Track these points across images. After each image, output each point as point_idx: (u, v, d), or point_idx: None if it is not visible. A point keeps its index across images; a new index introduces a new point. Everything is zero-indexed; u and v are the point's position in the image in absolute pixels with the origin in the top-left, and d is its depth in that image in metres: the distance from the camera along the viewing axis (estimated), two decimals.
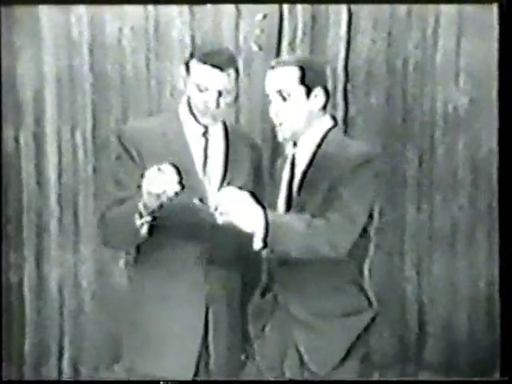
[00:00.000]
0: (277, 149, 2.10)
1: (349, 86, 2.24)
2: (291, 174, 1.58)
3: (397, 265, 2.20)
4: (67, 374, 2.24)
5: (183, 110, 1.68)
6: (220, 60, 1.59)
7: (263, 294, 1.61)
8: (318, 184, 1.50)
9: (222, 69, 1.58)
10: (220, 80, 1.58)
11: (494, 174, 2.19)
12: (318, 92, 1.56)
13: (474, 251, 2.20)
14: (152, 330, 1.62)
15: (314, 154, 1.55)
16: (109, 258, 2.20)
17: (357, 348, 1.54)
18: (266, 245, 1.40)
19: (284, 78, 1.53)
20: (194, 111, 1.65)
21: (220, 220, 1.39)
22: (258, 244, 1.40)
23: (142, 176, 1.50)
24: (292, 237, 1.42)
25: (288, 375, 1.55)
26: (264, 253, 1.45)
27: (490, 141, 2.21)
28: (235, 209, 1.38)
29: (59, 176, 2.24)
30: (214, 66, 1.58)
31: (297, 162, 1.57)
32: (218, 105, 1.59)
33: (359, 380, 1.55)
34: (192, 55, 1.63)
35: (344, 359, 1.52)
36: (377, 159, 1.53)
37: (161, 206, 1.49)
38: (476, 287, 2.20)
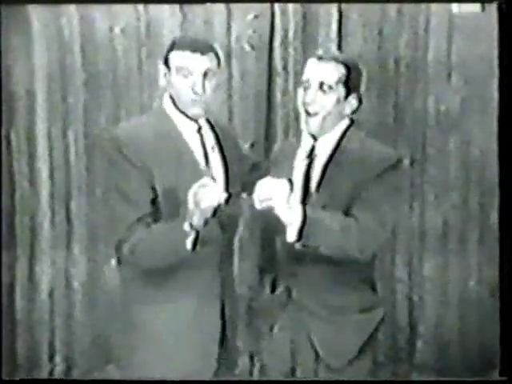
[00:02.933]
0: (269, 149, 2.11)
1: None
2: (308, 169, 1.59)
3: (388, 264, 2.20)
4: (59, 376, 2.23)
5: (169, 107, 1.68)
6: (198, 45, 1.63)
7: (273, 289, 1.62)
8: (342, 183, 1.53)
9: (202, 52, 1.61)
10: (202, 62, 1.61)
11: (485, 173, 2.20)
12: (355, 97, 1.63)
13: (465, 251, 2.21)
14: (165, 331, 1.61)
15: (334, 150, 1.58)
16: (100, 258, 2.20)
17: (369, 344, 1.58)
18: (300, 238, 1.41)
19: (330, 71, 1.58)
20: (183, 104, 1.64)
21: (259, 207, 1.42)
22: (292, 236, 1.43)
23: (153, 189, 1.55)
24: (326, 234, 1.45)
25: (299, 371, 1.56)
26: (297, 245, 1.45)
27: (481, 140, 2.21)
28: (276, 197, 1.40)
29: (51, 175, 2.23)
30: (193, 51, 1.61)
31: (316, 156, 1.58)
32: (203, 88, 1.60)
33: (360, 380, 1.56)
34: (170, 49, 1.67)
35: (358, 354, 1.55)
36: (402, 162, 1.60)
37: (206, 223, 1.51)
38: (467, 287, 2.20)
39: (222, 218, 1.59)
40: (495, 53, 2.14)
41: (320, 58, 1.60)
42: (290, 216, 1.41)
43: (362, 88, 1.69)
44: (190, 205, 1.48)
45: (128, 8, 2.20)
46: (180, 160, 1.62)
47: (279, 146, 1.73)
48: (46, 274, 2.22)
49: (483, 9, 2.11)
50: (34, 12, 2.18)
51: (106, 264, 2.16)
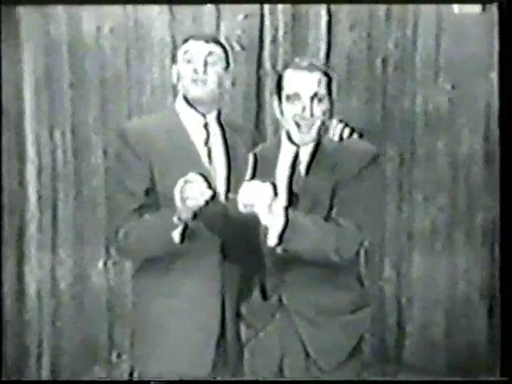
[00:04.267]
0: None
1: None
2: (292, 171, 1.59)
3: (376, 265, 2.21)
4: (47, 377, 2.23)
5: (180, 104, 1.71)
6: (205, 36, 1.72)
7: (264, 295, 1.60)
8: (324, 185, 1.53)
9: (207, 41, 1.68)
10: (206, 46, 1.66)
11: (472, 174, 2.21)
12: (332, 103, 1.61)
13: (453, 251, 2.22)
14: (165, 328, 1.62)
15: (314, 154, 1.57)
16: (87, 259, 2.20)
17: (358, 344, 1.57)
18: (280, 242, 1.42)
19: (318, 82, 1.56)
20: (185, 88, 1.67)
21: (243, 210, 1.42)
22: (272, 240, 1.42)
23: (151, 180, 1.59)
24: (306, 238, 1.44)
25: (288, 372, 1.55)
26: (278, 249, 1.45)
27: (470, 140, 2.23)
28: (258, 201, 1.40)
29: (39, 176, 2.23)
30: (197, 39, 1.68)
31: (300, 162, 1.58)
32: (205, 67, 1.64)
33: (358, 380, 1.57)
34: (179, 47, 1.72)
35: (350, 356, 1.55)
36: (380, 158, 1.57)
37: (194, 216, 1.52)
38: (455, 287, 2.21)
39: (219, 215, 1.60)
40: (484, 53, 2.18)
41: (307, 69, 1.55)
42: (272, 220, 1.41)
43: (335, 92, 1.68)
44: (177, 201, 1.49)
45: (116, 8, 2.19)
46: (184, 155, 1.64)
47: (258, 150, 1.70)
48: (33, 275, 2.21)
49: (484, 9, 2.13)
50: (22, 13, 2.17)
51: (92, 265, 2.17)
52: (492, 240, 2.19)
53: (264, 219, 1.41)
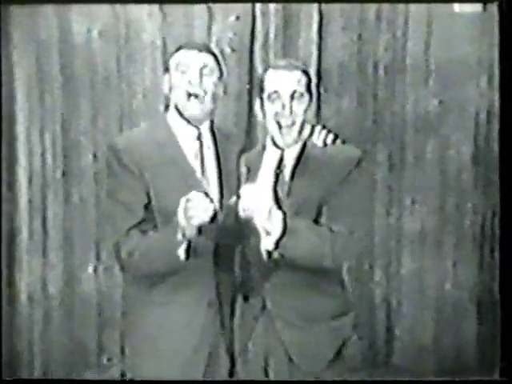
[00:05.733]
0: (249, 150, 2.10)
1: (321, 89, 2.25)
2: (276, 175, 1.59)
3: (365, 268, 2.22)
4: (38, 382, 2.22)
5: (173, 116, 1.70)
6: (198, 45, 1.73)
7: (246, 298, 1.63)
8: (310, 190, 1.54)
9: (200, 50, 1.68)
10: (200, 57, 1.66)
11: (462, 177, 2.23)
12: (313, 103, 1.63)
13: (442, 254, 2.23)
14: (156, 336, 1.63)
15: (299, 158, 1.57)
16: (77, 264, 2.18)
17: (346, 347, 1.60)
18: (276, 247, 1.42)
19: (298, 80, 1.58)
20: (180, 101, 1.66)
21: (242, 215, 1.43)
22: (270, 245, 1.43)
23: (147, 195, 1.58)
24: (302, 245, 1.46)
25: (272, 377, 1.57)
26: (275, 254, 1.46)
27: (459, 143, 2.24)
28: (258, 206, 1.41)
29: (29, 180, 2.20)
30: (191, 48, 1.68)
31: (284, 166, 1.58)
32: (200, 80, 1.63)
33: (357, 380, 1.59)
34: (171, 55, 1.71)
35: (334, 358, 1.58)
36: (366, 161, 1.61)
37: (199, 232, 1.53)
38: (444, 290, 2.22)
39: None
40: (474, 55, 2.19)
41: (285, 68, 1.58)
42: (270, 226, 1.41)
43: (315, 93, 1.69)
44: (181, 220, 1.49)
45: (105, 9, 2.17)
46: (176, 168, 1.64)
47: (245, 157, 1.70)
48: (23, 280, 2.19)
49: (485, 9, 2.13)
50: (12, 13, 2.14)
51: (82, 270, 2.15)
52: (481, 243, 2.22)
53: (262, 224, 1.41)
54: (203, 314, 1.63)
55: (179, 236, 1.53)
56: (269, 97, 1.57)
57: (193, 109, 1.66)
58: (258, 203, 1.42)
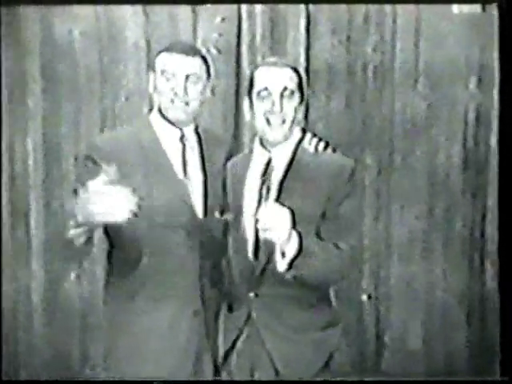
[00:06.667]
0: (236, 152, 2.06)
1: (309, 91, 2.21)
2: (263, 180, 1.54)
3: (354, 274, 2.19)
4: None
5: (155, 117, 1.64)
6: (185, 48, 1.61)
7: (230, 308, 1.59)
8: (301, 199, 1.48)
9: (187, 54, 1.58)
10: (186, 64, 1.58)
11: (450, 181, 2.20)
12: (304, 103, 1.57)
13: (431, 260, 2.20)
14: (140, 346, 1.58)
15: (290, 164, 1.54)
16: (60, 270, 2.13)
17: (332, 360, 1.54)
18: (290, 268, 1.39)
19: (289, 77, 1.52)
20: (164, 107, 1.61)
21: (262, 235, 1.38)
22: (283, 266, 1.39)
23: None
24: (315, 264, 1.42)
25: None
26: (288, 275, 1.41)
27: (448, 147, 2.21)
28: (278, 226, 1.36)
29: (12, 185, 2.14)
30: (179, 52, 1.58)
31: (272, 168, 1.54)
32: (185, 90, 1.56)
33: (357, 380, 1.57)
34: (158, 54, 1.63)
35: (320, 371, 1.53)
36: (358, 170, 1.57)
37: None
38: (433, 295, 2.20)
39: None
40: (463, 56, 2.16)
41: (275, 64, 1.53)
42: (288, 246, 1.37)
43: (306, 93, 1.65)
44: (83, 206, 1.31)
45: (87, 9, 2.11)
46: (156, 170, 1.58)
47: (232, 162, 1.65)
48: (7, 288, 2.13)
49: (484, 9, 2.11)
50: None
51: (65, 277, 2.11)
52: (470, 248, 2.19)
53: (281, 245, 1.38)
54: (188, 323, 1.59)
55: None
56: (258, 94, 1.52)
57: (177, 112, 1.61)
58: (278, 224, 1.36)
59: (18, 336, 2.16)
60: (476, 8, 2.13)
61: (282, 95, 1.50)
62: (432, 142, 2.20)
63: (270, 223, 1.36)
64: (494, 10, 2.07)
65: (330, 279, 1.50)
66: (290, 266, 1.39)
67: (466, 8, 2.13)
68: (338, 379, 1.55)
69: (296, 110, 1.53)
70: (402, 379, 2.07)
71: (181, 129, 1.63)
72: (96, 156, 1.54)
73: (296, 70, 1.54)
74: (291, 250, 1.37)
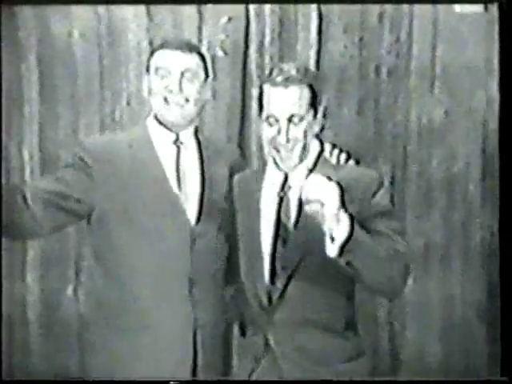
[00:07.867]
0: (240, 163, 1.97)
1: (324, 103, 2.11)
2: (280, 199, 1.44)
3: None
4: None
5: (151, 122, 1.56)
6: (180, 44, 1.55)
7: (243, 332, 1.49)
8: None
9: (182, 50, 1.51)
10: (181, 60, 1.50)
11: (469, 191, 2.11)
12: (321, 112, 1.44)
13: (448, 272, 2.11)
14: (133, 362, 1.50)
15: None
16: (56, 286, 2.04)
17: None
18: (341, 253, 1.22)
19: (297, 100, 1.39)
20: (156, 107, 1.53)
21: (306, 208, 1.23)
22: (334, 250, 1.21)
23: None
24: (370, 256, 1.27)
25: None
26: (341, 261, 1.24)
27: (465, 155, 2.12)
28: (327, 200, 1.20)
29: None
30: (174, 48, 1.52)
31: (290, 189, 1.44)
32: (180, 87, 1.48)
33: (360, 380, 1.46)
34: (152, 53, 1.56)
35: None
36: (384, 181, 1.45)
37: None
38: (451, 309, 2.11)
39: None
40: (483, 59, 2.07)
41: (281, 85, 1.39)
42: (336, 227, 1.20)
43: (326, 98, 1.51)
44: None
45: (86, 10, 2.02)
46: (148, 177, 1.50)
47: (240, 177, 1.54)
48: (5, 301, 2.04)
49: (486, 9, 2.03)
50: None
51: (61, 292, 2.01)
52: (490, 260, 2.10)
53: (328, 224, 1.21)
54: (179, 337, 1.49)
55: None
56: (266, 118, 1.41)
57: (172, 115, 1.51)
58: (326, 197, 1.20)
59: (13, 353, 2.05)
60: (478, 8, 2.04)
61: (289, 122, 1.38)
62: (449, 149, 2.10)
63: (317, 194, 1.21)
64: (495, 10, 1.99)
65: (391, 280, 1.32)
66: (341, 250, 1.22)
67: (468, 8, 2.05)
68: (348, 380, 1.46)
69: (307, 135, 1.41)
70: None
71: (177, 133, 1.54)
72: (86, 157, 1.49)
73: (310, 86, 1.40)
74: (341, 231, 1.20)
